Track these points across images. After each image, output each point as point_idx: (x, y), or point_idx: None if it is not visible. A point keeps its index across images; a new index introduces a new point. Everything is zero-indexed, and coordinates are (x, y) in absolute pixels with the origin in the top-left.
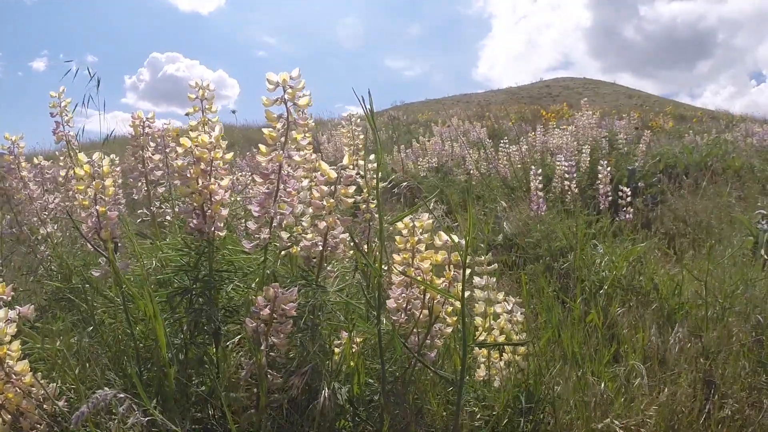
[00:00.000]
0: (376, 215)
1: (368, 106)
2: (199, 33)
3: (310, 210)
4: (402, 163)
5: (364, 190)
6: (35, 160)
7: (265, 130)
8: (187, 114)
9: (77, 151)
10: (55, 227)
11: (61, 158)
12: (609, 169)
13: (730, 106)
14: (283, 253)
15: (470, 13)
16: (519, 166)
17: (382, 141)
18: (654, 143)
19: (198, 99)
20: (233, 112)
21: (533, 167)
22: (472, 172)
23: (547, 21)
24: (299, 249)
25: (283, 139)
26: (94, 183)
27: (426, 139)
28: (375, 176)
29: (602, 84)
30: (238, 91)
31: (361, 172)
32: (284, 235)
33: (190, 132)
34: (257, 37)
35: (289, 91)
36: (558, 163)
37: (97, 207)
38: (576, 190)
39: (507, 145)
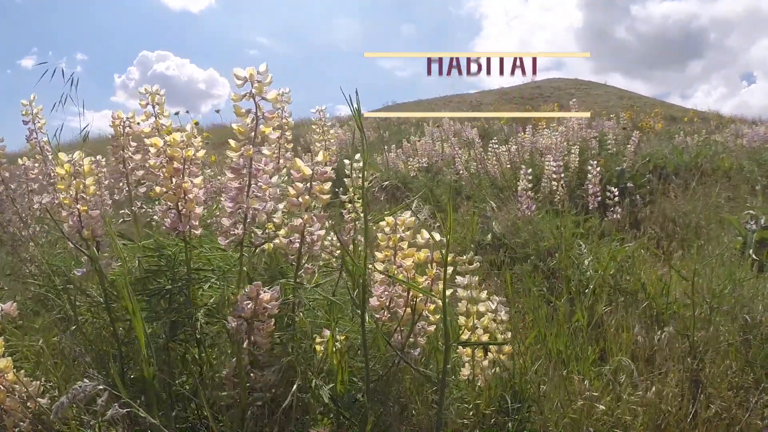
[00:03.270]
0: (362, 214)
1: (355, 106)
2: (190, 31)
3: (281, 206)
4: (388, 163)
5: (350, 190)
6: (20, 161)
7: (234, 125)
8: (138, 123)
9: (57, 150)
10: (37, 228)
11: (36, 165)
12: (598, 169)
13: (720, 107)
14: (259, 249)
15: (461, 14)
16: (508, 166)
17: (372, 141)
18: (644, 144)
19: (150, 105)
20: (217, 111)
21: (523, 167)
22: (461, 172)
23: (539, 22)
24: (273, 246)
25: (252, 134)
26: (74, 182)
27: (417, 139)
28: (361, 176)
29: (593, 85)
30: (230, 90)
31: (347, 171)
32: (258, 231)
33: (144, 138)
34: (249, 36)
35: (257, 85)
36: (547, 163)
37: (79, 206)
38: (565, 190)
39: (497, 145)
